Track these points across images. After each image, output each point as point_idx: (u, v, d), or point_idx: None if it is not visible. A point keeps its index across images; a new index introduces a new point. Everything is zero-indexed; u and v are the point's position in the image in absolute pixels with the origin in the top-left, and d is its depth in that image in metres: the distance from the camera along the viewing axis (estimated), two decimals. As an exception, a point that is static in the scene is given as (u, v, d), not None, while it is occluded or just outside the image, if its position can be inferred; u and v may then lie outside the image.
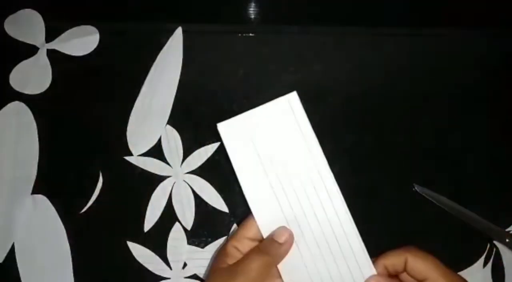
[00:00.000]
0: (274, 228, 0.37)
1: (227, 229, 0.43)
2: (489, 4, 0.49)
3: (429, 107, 0.46)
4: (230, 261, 0.36)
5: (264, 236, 0.37)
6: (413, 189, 0.43)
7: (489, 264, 0.42)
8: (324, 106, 0.46)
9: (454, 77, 0.47)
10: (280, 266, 0.36)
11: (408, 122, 0.46)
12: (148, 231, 0.43)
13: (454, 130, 0.46)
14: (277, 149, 0.37)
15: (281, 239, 0.36)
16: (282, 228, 0.36)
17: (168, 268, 0.42)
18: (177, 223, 0.43)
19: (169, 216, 0.43)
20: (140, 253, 0.43)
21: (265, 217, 0.37)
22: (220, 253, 0.37)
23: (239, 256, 0.36)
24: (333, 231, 0.36)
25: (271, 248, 0.36)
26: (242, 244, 0.36)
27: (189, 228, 0.43)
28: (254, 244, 0.37)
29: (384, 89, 0.47)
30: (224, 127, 0.38)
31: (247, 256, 0.35)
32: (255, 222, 0.37)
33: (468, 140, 0.45)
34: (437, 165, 0.44)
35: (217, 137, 0.45)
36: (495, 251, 0.42)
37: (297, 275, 0.36)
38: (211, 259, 0.42)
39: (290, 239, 0.36)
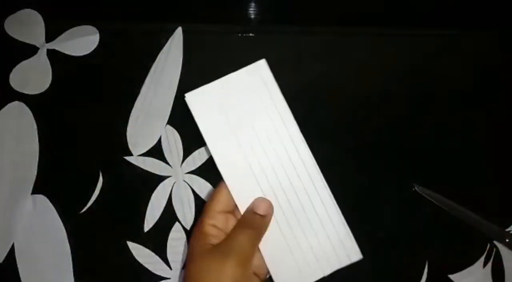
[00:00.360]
0: (250, 199, 0.36)
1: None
2: (489, 4, 0.49)
3: (429, 107, 0.46)
4: (213, 240, 0.34)
5: (241, 208, 0.36)
6: (413, 189, 0.43)
7: (489, 264, 0.42)
8: (324, 106, 0.46)
9: (454, 77, 0.47)
10: None
11: (408, 122, 0.46)
12: (148, 231, 0.43)
13: (454, 130, 0.46)
14: (248, 117, 0.36)
15: (262, 210, 0.35)
16: (261, 199, 0.35)
17: (168, 268, 0.42)
18: (177, 223, 0.43)
19: (169, 216, 0.43)
20: (140, 253, 0.43)
21: (239, 188, 0.36)
22: (198, 234, 0.35)
23: (219, 233, 0.35)
24: (310, 199, 0.36)
25: (254, 221, 0.34)
26: (218, 219, 0.35)
27: (189, 228, 0.43)
28: (229, 217, 0.36)
29: (384, 89, 0.47)
30: (192, 97, 0.37)
31: (232, 234, 0.34)
32: (223, 193, 0.36)
33: (468, 140, 0.45)
34: (437, 165, 0.44)
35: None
36: (495, 251, 0.42)
37: (276, 247, 0.35)
38: (185, 244, 0.42)
39: (270, 210, 0.35)
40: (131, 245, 0.43)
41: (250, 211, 0.35)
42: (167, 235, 0.43)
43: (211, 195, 0.36)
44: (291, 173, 0.36)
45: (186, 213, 0.43)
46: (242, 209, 0.36)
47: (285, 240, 0.35)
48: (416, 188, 0.43)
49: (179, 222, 0.43)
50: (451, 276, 0.42)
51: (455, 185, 0.44)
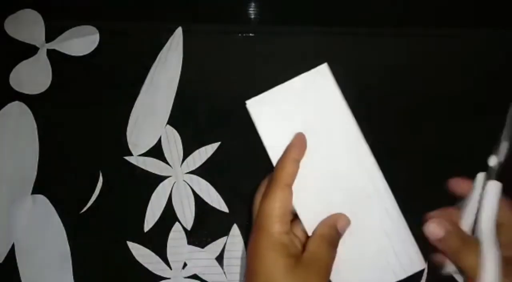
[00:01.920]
0: (316, 209, 0.33)
1: (227, 229, 0.43)
2: (489, 4, 0.49)
3: (429, 107, 0.46)
4: (292, 250, 0.31)
5: (304, 219, 0.33)
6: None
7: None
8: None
9: (454, 77, 0.47)
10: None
11: (408, 122, 0.46)
12: (148, 231, 0.43)
13: (454, 130, 0.46)
14: (311, 125, 0.34)
15: (342, 229, 0.33)
16: (344, 217, 0.33)
17: (168, 268, 0.42)
18: (177, 223, 0.43)
19: (169, 216, 0.43)
20: (140, 253, 0.43)
21: (305, 199, 0.33)
22: (272, 246, 0.31)
23: (292, 240, 0.32)
24: (375, 210, 0.34)
25: (334, 238, 0.32)
26: (287, 225, 0.32)
27: (189, 228, 0.43)
28: (290, 219, 0.32)
29: (384, 89, 0.47)
30: (253, 104, 0.35)
31: (318, 249, 0.31)
32: (283, 196, 0.32)
33: (468, 140, 0.45)
34: (437, 165, 0.44)
35: (217, 137, 0.45)
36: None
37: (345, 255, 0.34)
38: (186, 245, 0.42)
39: (347, 228, 0.33)
40: (131, 245, 0.43)
41: (333, 227, 0.33)
42: (167, 235, 0.43)
43: (267, 199, 0.32)
44: (356, 182, 0.34)
45: (186, 213, 0.43)
46: (306, 219, 0.34)
47: (351, 248, 0.34)
48: None
49: (179, 222, 0.43)
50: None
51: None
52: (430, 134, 0.45)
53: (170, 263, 0.42)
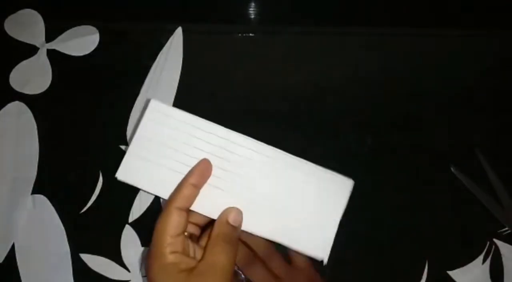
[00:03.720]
0: (207, 202, 0.33)
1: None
2: (489, 4, 0.49)
3: (429, 107, 0.46)
4: (182, 266, 0.30)
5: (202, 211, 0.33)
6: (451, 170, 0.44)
7: (488, 261, 0.42)
8: (324, 106, 0.46)
9: (454, 77, 0.47)
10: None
11: (408, 122, 0.46)
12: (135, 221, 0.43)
13: (454, 130, 0.46)
14: (180, 151, 0.34)
15: (237, 222, 0.32)
16: (230, 208, 0.33)
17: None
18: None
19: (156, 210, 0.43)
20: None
21: (202, 204, 0.33)
22: (162, 266, 0.30)
23: (183, 258, 0.31)
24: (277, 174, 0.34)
25: (232, 235, 0.32)
26: (176, 245, 0.31)
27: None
28: (184, 238, 0.32)
29: (384, 89, 0.47)
30: (122, 173, 0.34)
31: (210, 252, 0.31)
32: (173, 215, 0.31)
33: (468, 140, 0.45)
34: (437, 165, 0.44)
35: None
36: (494, 248, 0.42)
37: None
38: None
39: (241, 218, 0.33)
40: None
41: (223, 223, 0.32)
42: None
43: (158, 222, 0.31)
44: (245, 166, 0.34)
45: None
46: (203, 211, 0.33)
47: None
48: (453, 169, 0.44)
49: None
50: (450, 273, 0.42)
51: (455, 185, 0.44)
52: (430, 134, 0.45)
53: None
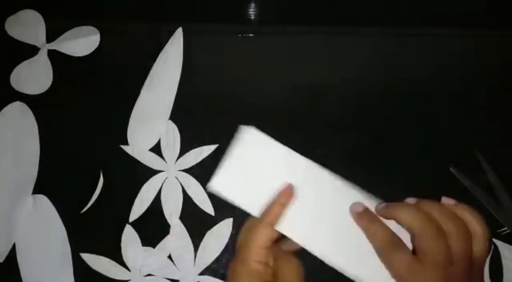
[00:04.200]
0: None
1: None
2: (489, 4, 0.49)
3: (429, 107, 0.46)
4: (264, 277, 0.34)
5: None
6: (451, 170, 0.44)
7: (487, 261, 0.42)
8: (324, 106, 0.46)
9: (454, 77, 0.47)
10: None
11: (408, 122, 0.46)
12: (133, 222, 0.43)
13: (454, 130, 0.46)
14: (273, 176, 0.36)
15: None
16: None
17: (176, 269, 0.42)
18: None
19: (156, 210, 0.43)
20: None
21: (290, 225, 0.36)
22: (248, 273, 0.34)
23: (265, 269, 0.34)
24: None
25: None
26: (261, 255, 0.35)
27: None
28: (268, 251, 0.35)
29: (384, 89, 0.47)
30: (216, 185, 0.36)
31: (282, 264, 0.35)
32: (264, 230, 0.35)
33: (467, 140, 0.45)
34: (437, 165, 0.44)
35: (215, 138, 0.45)
36: (493, 248, 0.42)
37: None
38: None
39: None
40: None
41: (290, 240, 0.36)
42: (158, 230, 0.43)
43: (250, 233, 0.35)
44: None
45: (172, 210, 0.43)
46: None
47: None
48: (452, 169, 0.44)
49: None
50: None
51: (455, 184, 0.44)
52: (430, 134, 0.45)
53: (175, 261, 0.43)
